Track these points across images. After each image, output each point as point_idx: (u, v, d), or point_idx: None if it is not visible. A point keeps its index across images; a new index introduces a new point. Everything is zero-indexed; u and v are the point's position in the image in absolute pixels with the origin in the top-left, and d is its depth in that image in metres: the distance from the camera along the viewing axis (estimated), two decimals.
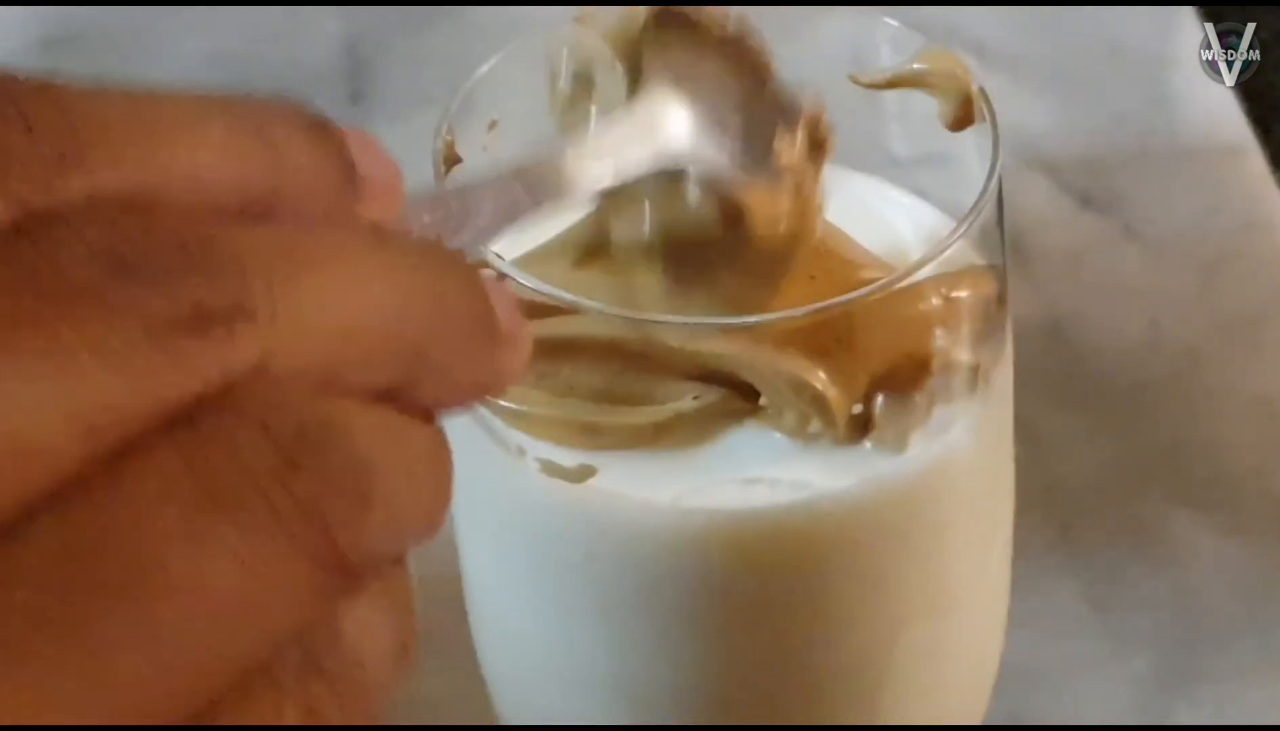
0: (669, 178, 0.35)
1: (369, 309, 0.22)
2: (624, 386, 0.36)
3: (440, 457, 0.24)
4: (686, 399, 0.36)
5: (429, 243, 0.26)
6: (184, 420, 0.21)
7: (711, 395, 0.36)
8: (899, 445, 0.36)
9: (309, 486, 0.21)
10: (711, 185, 0.35)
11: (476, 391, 0.25)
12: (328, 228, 0.23)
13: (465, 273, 0.24)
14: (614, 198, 0.36)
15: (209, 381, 0.21)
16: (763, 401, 0.36)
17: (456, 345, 0.24)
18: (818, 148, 0.37)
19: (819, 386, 0.35)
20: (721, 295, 0.37)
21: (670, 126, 0.35)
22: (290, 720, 0.21)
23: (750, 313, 0.36)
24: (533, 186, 0.30)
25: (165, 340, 0.20)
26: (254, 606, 0.21)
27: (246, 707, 0.21)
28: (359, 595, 0.22)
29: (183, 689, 0.20)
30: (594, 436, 0.36)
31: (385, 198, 0.25)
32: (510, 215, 0.29)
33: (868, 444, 0.36)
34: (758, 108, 0.36)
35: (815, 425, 0.36)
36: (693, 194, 0.36)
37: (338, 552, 0.21)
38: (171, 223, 0.21)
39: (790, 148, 0.36)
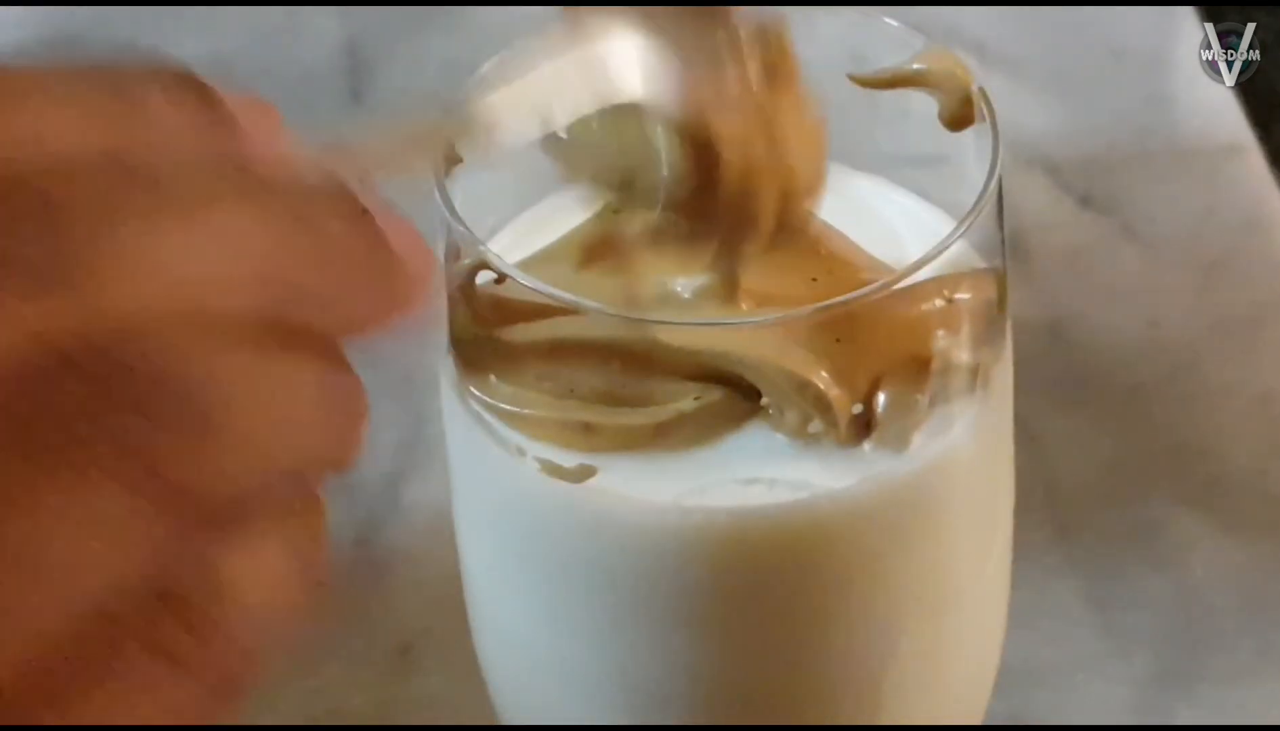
0: (637, 127, 0.35)
1: (232, 249, 0.22)
2: (624, 387, 0.36)
3: (342, 392, 0.23)
4: (687, 399, 0.36)
5: (309, 180, 0.25)
6: (11, 375, 0.20)
7: (712, 395, 0.36)
8: (899, 445, 0.36)
9: (130, 423, 0.20)
10: (674, 123, 0.34)
11: (378, 322, 0.24)
12: (191, 170, 0.22)
13: (351, 206, 0.24)
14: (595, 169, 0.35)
15: (36, 338, 0.20)
16: (764, 401, 0.36)
17: (343, 279, 0.23)
18: (779, 71, 0.36)
19: (821, 386, 0.35)
20: (717, 253, 0.36)
21: (612, 62, 0.33)
22: (151, 671, 0.21)
23: (746, 266, 0.36)
24: (455, 140, 0.29)
25: None
26: (92, 557, 0.20)
27: (96, 658, 0.20)
28: (239, 531, 0.22)
29: (24, 649, 0.20)
30: (594, 437, 0.36)
31: (264, 144, 0.24)
32: (404, 168, 0.28)
33: (868, 444, 0.36)
34: (713, 36, 0.35)
35: (816, 425, 0.36)
36: (656, 134, 0.35)
37: (172, 487, 0.21)
38: None
39: (744, 72, 0.35)
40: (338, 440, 0.23)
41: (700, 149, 0.35)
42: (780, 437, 0.36)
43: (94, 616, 0.20)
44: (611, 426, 0.36)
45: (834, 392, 0.35)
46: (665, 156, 0.35)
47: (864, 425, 0.36)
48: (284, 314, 0.22)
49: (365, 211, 0.24)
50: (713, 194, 0.35)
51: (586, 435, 0.36)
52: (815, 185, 0.36)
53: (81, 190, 0.21)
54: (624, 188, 0.36)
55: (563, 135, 0.36)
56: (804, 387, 0.35)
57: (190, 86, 0.23)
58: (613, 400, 0.36)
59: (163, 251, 0.21)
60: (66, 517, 0.20)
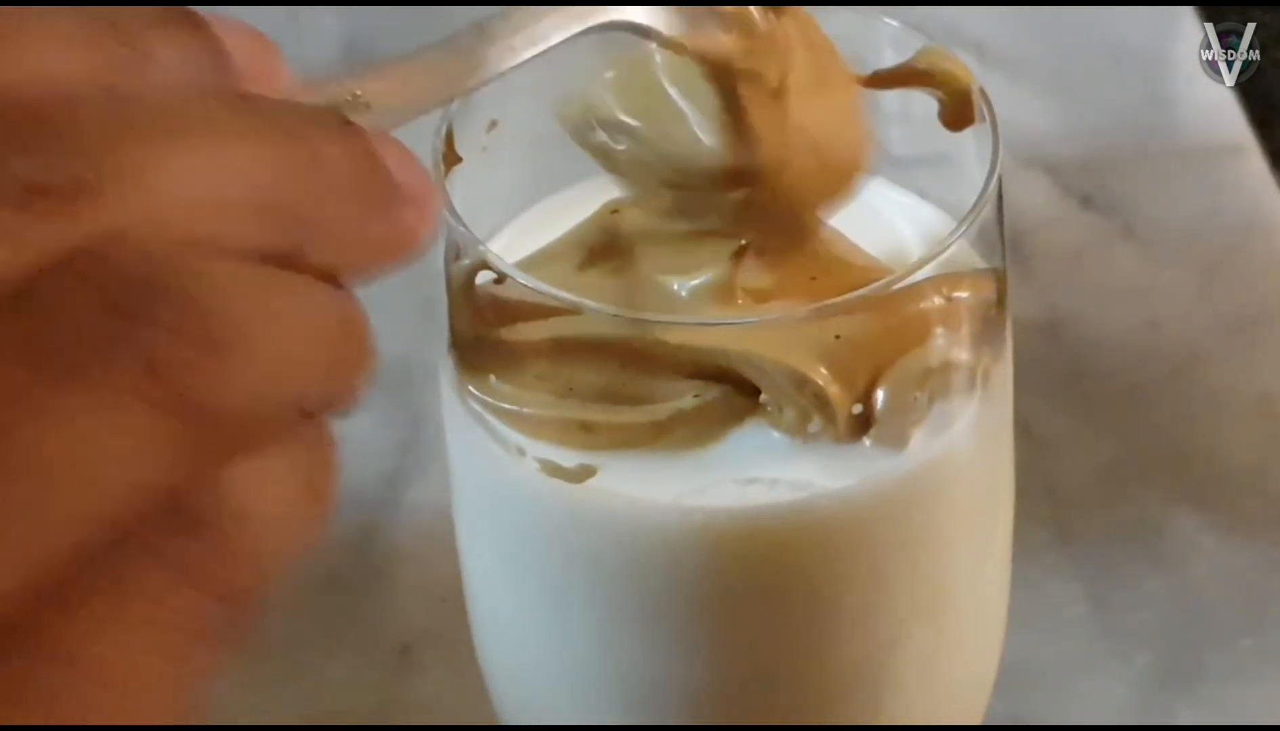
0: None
1: (232, 174, 0.22)
2: (624, 386, 0.36)
3: (346, 319, 0.23)
4: (686, 398, 0.36)
5: (306, 107, 0.25)
6: (23, 293, 0.20)
7: (711, 393, 0.36)
8: (899, 444, 0.36)
9: (148, 336, 0.20)
10: (672, 44, 0.34)
11: (381, 252, 0.24)
12: (190, 98, 0.23)
13: (346, 132, 0.24)
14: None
15: (45, 256, 0.20)
16: (763, 399, 0.36)
17: (342, 206, 0.23)
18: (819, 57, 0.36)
19: (820, 382, 0.35)
20: (736, 251, 0.36)
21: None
22: (159, 581, 0.21)
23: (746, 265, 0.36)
24: (441, 73, 0.29)
25: None
26: (105, 470, 0.20)
27: (110, 572, 0.21)
28: (249, 449, 0.22)
29: (33, 560, 0.20)
30: (594, 436, 0.36)
31: (263, 80, 0.24)
32: (414, 105, 0.28)
33: (867, 442, 0.36)
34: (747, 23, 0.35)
35: (816, 423, 0.36)
36: (658, 57, 0.35)
37: (193, 403, 0.21)
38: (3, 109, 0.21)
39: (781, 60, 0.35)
40: (343, 373, 0.23)
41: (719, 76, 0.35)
42: (780, 437, 0.36)
43: (103, 526, 0.20)
44: (611, 425, 0.36)
45: (833, 390, 0.35)
46: (704, 137, 0.35)
47: (863, 423, 0.36)
48: (287, 244, 0.23)
49: (363, 136, 0.24)
50: (756, 183, 0.36)
51: (586, 434, 0.36)
52: (852, 186, 0.37)
53: (80, 114, 0.21)
54: (673, 184, 0.36)
55: (605, 137, 0.36)
56: (803, 384, 0.35)
57: (187, 22, 0.24)
58: (612, 399, 0.36)
59: (163, 175, 0.21)
60: (77, 428, 0.20)
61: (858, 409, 0.36)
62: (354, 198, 0.24)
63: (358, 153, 0.24)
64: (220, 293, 0.21)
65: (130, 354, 0.20)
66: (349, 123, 0.24)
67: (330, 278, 0.23)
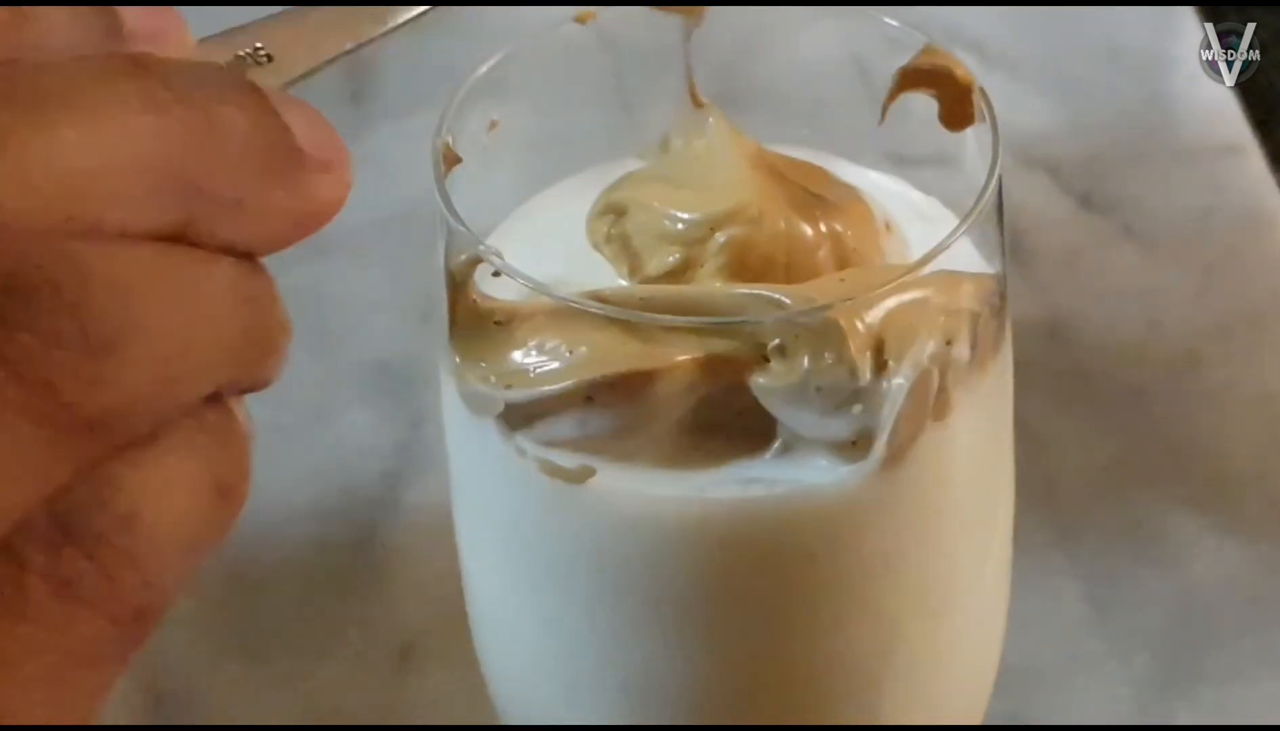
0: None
1: (119, 145, 0.20)
2: (624, 382, 0.36)
3: (252, 295, 0.22)
4: (687, 394, 0.36)
5: (202, 66, 0.23)
6: None
7: (712, 389, 0.35)
8: (899, 445, 0.36)
9: (20, 344, 0.19)
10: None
11: (291, 223, 0.23)
12: (70, 61, 0.21)
13: (245, 93, 0.22)
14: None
15: None
16: (771, 346, 0.35)
17: (241, 175, 0.22)
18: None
19: (840, 321, 0.35)
20: None
21: None
22: (40, 593, 0.20)
23: None
24: (345, 21, 0.28)
25: None
26: None
27: None
28: (146, 451, 0.20)
29: None
30: (593, 434, 0.36)
31: (159, 40, 0.23)
32: (317, 54, 0.26)
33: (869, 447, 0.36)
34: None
35: (828, 359, 0.35)
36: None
37: (69, 409, 0.19)
38: None
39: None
40: (254, 353, 0.22)
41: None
42: (779, 437, 0.36)
43: None
44: (611, 423, 0.36)
45: (849, 324, 0.34)
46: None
47: (880, 364, 0.35)
48: (182, 219, 0.21)
49: (263, 98, 0.22)
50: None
51: (586, 432, 0.36)
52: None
53: None
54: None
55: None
56: (822, 321, 0.35)
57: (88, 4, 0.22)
58: (612, 395, 0.36)
59: (51, 147, 0.20)
60: None
61: (858, 409, 0.36)
62: (254, 166, 0.22)
63: (258, 116, 0.22)
64: (103, 285, 0.20)
65: (2, 364, 0.19)
66: (249, 84, 0.22)
67: (234, 251, 0.22)
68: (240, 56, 0.25)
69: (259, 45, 0.25)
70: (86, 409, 0.19)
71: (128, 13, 0.22)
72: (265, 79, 0.24)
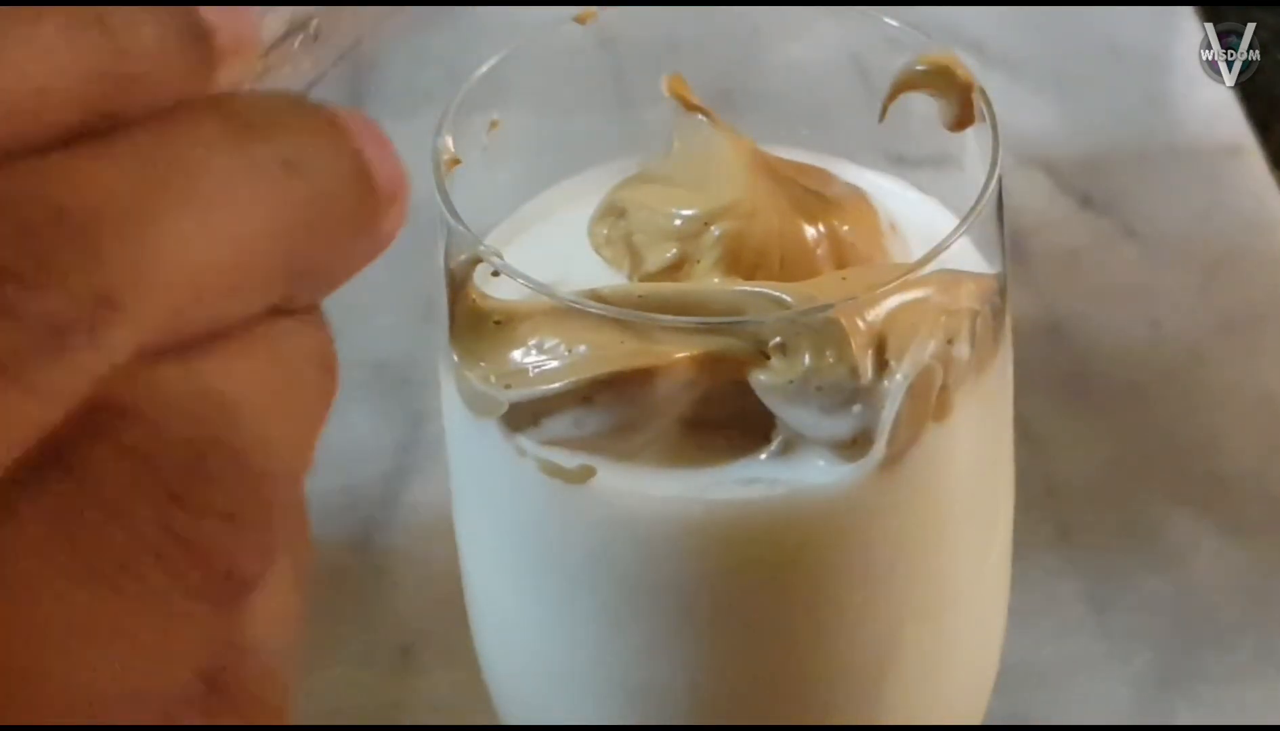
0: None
1: (237, 236, 0.19)
2: (624, 381, 0.36)
3: (326, 359, 0.21)
4: (688, 392, 0.36)
5: (291, 110, 0.21)
6: (51, 458, 0.18)
7: (713, 387, 0.35)
8: (899, 444, 0.36)
9: (207, 530, 0.18)
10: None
11: (360, 265, 0.22)
12: (178, 143, 0.19)
13: (338, 143, 0.21)
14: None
15: (74, 400, 0.18)
16: (772, 344, 0.35)
17: (341, 237, 0.21)
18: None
19: (841, 320, 0.35)
20: None
21: None
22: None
23: None
24: (374, 11, 0.27)
25: (27, 375, 0.17)
26: (147, 674, 0.18)
27: None
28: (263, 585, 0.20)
29: None
30: (593, 433, 0.36)
31: (243, 53, 0.21)
32: (350, 37, 0.26)
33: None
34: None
35: (829, 357, 0.35)
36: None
37: (229, 582, 0.19)
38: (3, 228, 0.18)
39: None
40: (316, 422, 0.21)
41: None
42: (779, 437, 0.36)
43: (156, 723, 0.18)
44: (611, 422, 0.36)
45: (850, 323, 0.34)
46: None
47: (881, 363, 0.35)
48: (297, 289, 0.20)
49: (349, 136, 0.21)
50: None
51: (586, 431, 0.36)
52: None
53: (91, 198, 0.18)
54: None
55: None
56: (821, 312, 0.34)
57: (167, 8, 0.21)
58: (612, 394, 0.36)
59: (174, 257, 0.19)
60: (126, 638, 0.18)
61: (858, 409, 0.36)
62: (349, 228, 0.21)
63: (351, 165, 0.21)
64: (260, 452, 0.19)
65: (184, 548, 0.18)
66: (332, 122, 0.21)
67: (312, 309, 0.21)
68: (296, 25, 0.24)
69: (315, 21, 0.25)
70: (238, 572, 0.19)
71: (207, 12, 0.21)
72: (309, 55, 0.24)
